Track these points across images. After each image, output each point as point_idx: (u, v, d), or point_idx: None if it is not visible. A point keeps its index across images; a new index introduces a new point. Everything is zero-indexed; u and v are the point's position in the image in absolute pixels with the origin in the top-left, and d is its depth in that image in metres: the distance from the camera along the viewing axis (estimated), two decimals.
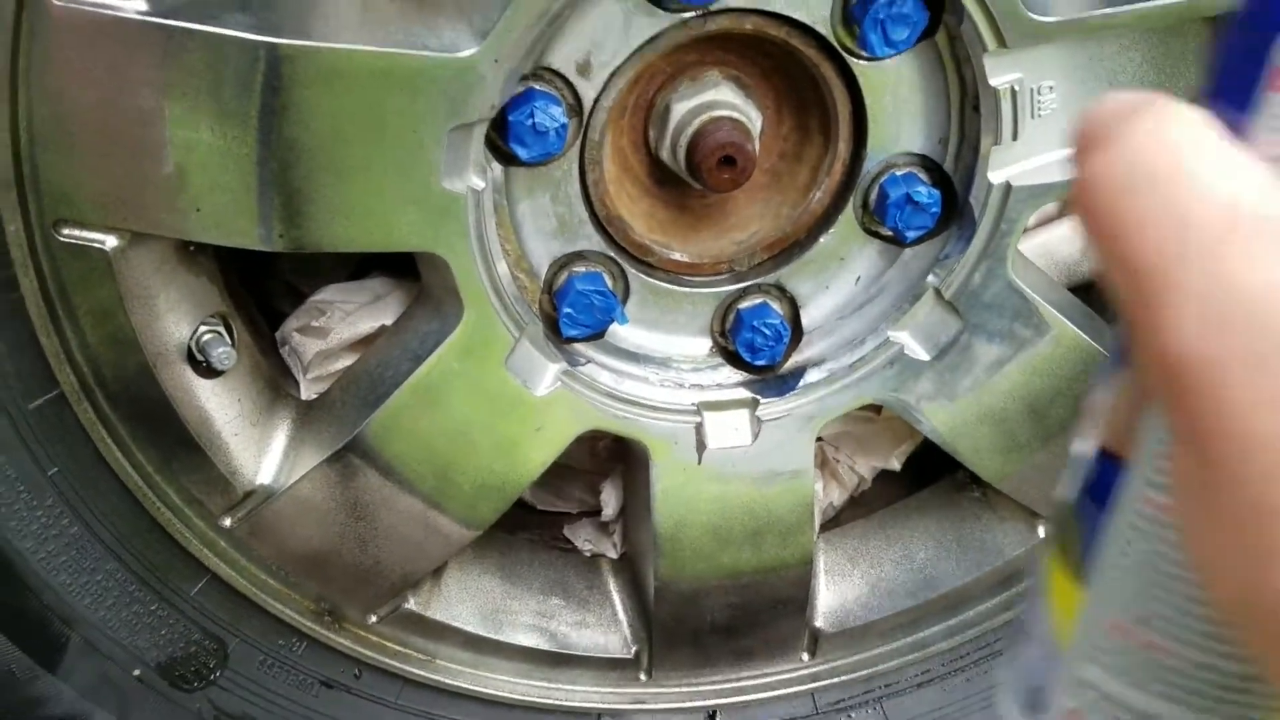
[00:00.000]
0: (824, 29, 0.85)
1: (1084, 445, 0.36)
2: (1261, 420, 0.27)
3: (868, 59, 0.86)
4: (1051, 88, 0.85)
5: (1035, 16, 0.81)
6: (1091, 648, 0.36)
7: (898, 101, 0.89)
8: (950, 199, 0.92)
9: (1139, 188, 0.30)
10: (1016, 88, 0.84)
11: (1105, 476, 0.35)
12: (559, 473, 1.15)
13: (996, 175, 0.88)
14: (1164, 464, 0.32)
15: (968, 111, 0.89)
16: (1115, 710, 0.35)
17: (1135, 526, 0.34)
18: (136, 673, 0.95)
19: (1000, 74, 0.84)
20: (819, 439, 1.06)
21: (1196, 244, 0.29)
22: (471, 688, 1.07)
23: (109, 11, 0.71)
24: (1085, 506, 0.36)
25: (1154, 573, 0.34)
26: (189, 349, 0.86)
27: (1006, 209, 0.88)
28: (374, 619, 1.02)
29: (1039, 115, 0.86)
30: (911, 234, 0.92)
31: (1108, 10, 0.82)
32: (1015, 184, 0.88)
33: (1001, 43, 0.82)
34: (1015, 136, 0.86)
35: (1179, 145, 0.31)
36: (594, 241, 0.94)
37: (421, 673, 1.05)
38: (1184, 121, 0.31)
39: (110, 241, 0.78)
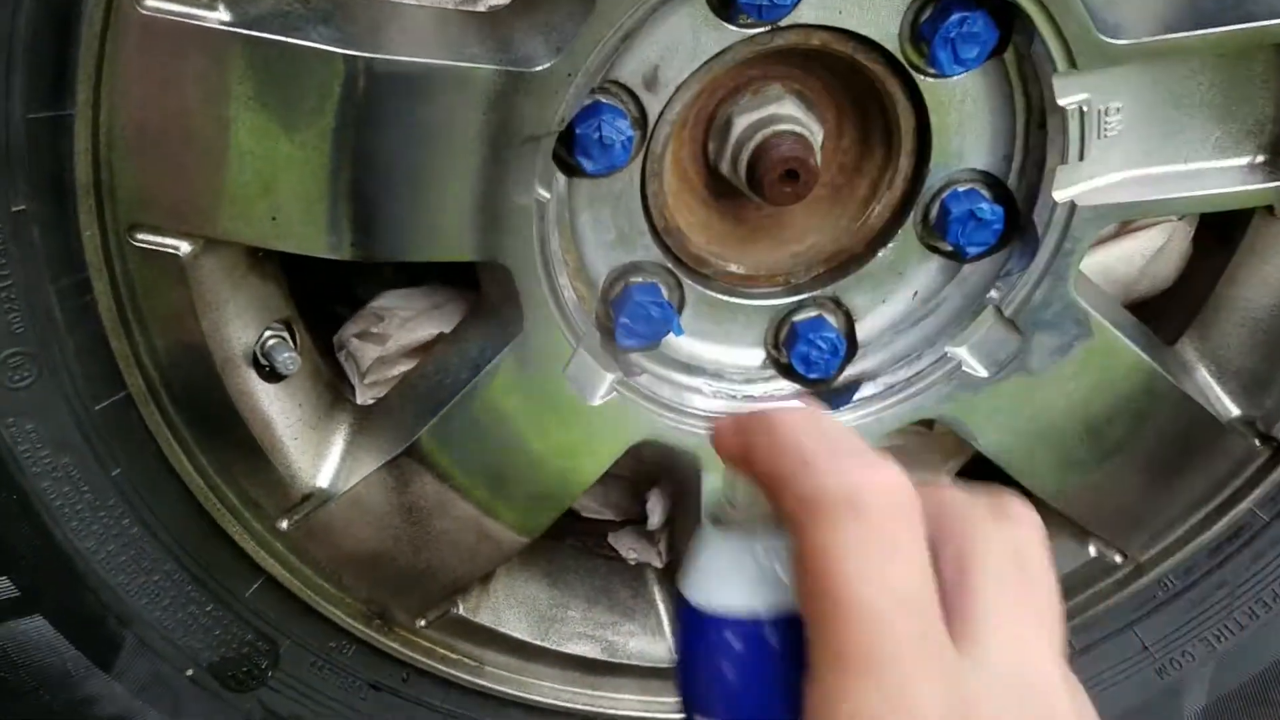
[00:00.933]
0: (892, 46, 0.85)
1: None
2: None
3: (935, 76, 0.86)
4: (1119, 109, 0.85)
5: (1106, 39, 0.81)
6: None
7: (963, 118, 0.89)
8: (1013, 216, 0.92)
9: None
10: (1085, 108, 0.84)
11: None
12: (604, 480, 1.16)
13: (1061, 194, 0.88)
14: None
15: (1033, 130, 0.89)
16: None
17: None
18: (189, 673, 0.96)
19: (1068, 94, 0.84)
20: None
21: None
22: (517, 694, 1.07)
23: (193, 20, 0.71)
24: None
25: None
26: (254, 354, 0.86)
27: (1070, 228, 0.89)
28: (423, 623, 1.03)
29: (1105, 136, 0.86)
30: (973, 250, 0.92)
31: (1177, 35, 0.82)
32: (1080, 203, 0.88)
33: (1071, 64, 0.82)
34: (1081, 156, 0.86)
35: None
36: (652, 253, 0.94)
37: (468, 678, 1.06)
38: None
39: (184, 248, 0.79)
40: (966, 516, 0.42)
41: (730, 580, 0.44)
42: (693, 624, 0.45)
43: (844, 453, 0.42)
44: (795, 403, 0.47)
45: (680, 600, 0.47)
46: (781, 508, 0.42)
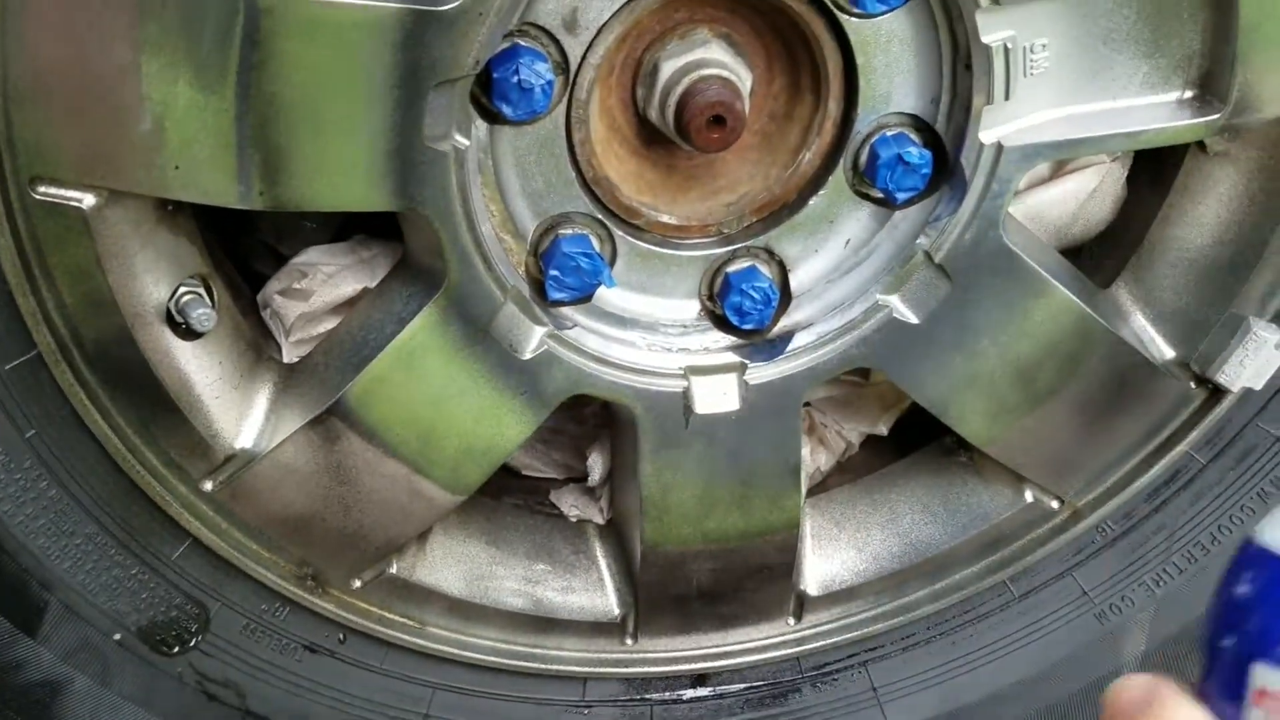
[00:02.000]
0: None
1: None
2: None
3: (860, 15, 0.85)
4: (1044, 45, 0.84)
5: None
6: None
7: (889, 60, 0.87)
8: (941, 160, 0.90)
9: None
10: (1009, 45, 0.83)
11: None
12: (544, 438, 1.15)
13: (988, 135, 0.87)
14: None
15: (960, 70, 0.87)
16: None
17: None
18: (117, 637, 0.95)
19: (993, 31, 0.83)
20: (806, 404, 1.05)
21: None
22: (457, 652, 1.06)
23: None
24: None
25: None
26: (168, 310, 0.84)
27: (998, 170, 0.87)
28: (358, 584, 1.02)
29: (1031, 73, 0.85)
30: (902, 195, 0.91)
31: None
32: (1007, 144, 0.87)
33: None
34: (1007, 95, 0.85)
35: None
36: (581, 203, 0.93)
37: (406, 637, 1.05)
38: None
39: (87, 200, 0.77)
40: None
41: None
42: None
43: None
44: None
45: (1253, 549, 0.46)
46: None
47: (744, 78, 0.89)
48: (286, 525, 0.96)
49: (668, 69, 0.89)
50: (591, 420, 1.14)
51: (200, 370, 0.88)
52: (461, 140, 0.82)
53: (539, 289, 0.94)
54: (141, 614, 0.94)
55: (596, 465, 1.12)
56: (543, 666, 1.09)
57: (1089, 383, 0.97)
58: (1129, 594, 1.07)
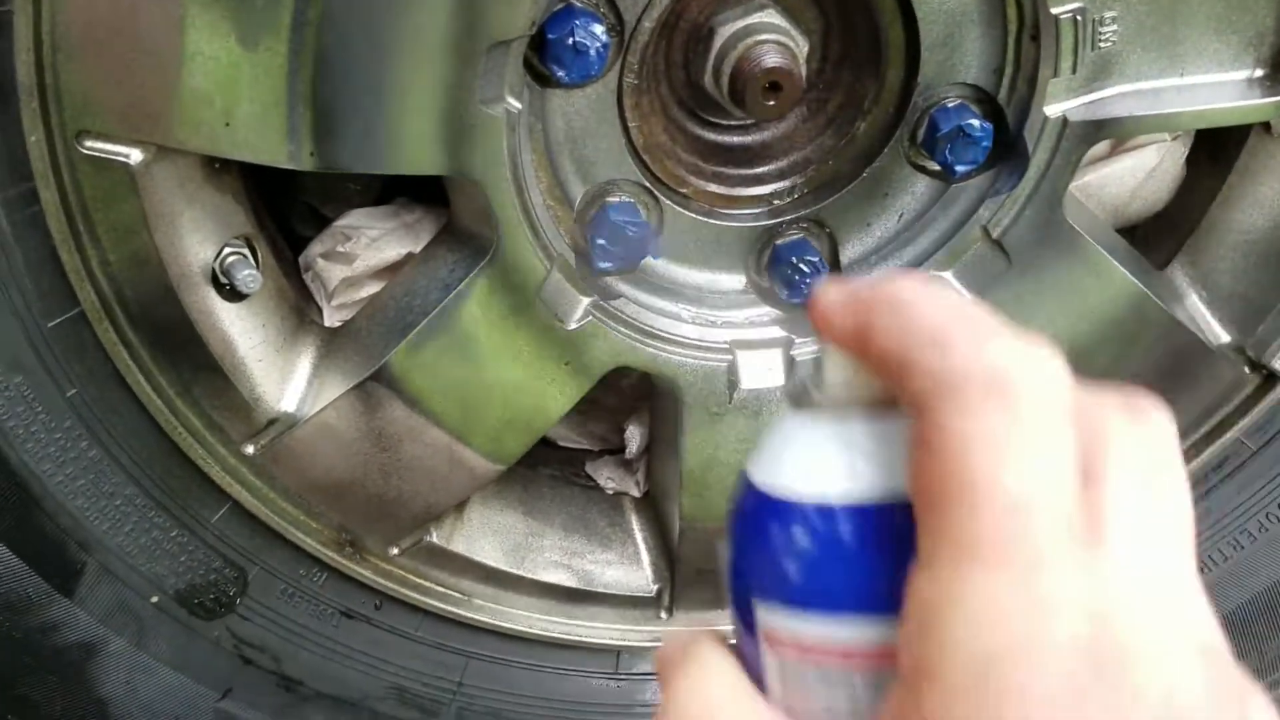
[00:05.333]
0: None
1: None
2: None
3: None
4: (1114, 19, 0.82)
5: None
6: None
7: (952, 29, 0.85)
8: (1002, 134, 0.88)
9: None
10: (1079, 18, 0.81)
11: None
12: (582, 409, 1.13)
13: (1053, 109, 0.85)
14: None
15: (1025, 41, 0.85)
16: None
17: None
18: (154, 600, 0.94)
19: (1062, 2, 0.81)
20: None
21: None
22: (492, 622, 1.06)
23: None
24: None
25: None
26: (213, 271, 0.83)
27: (1061, 145, 0.85)
28: (396, 551, 1.01)
29: (1099, 47, 0.82)
30: (961, 169, 0.89)
31: None
32: (1072, 119, 0.84)
33: None
34: (1074, 69, 0.83)
35: (711, 706, 0.41)
36: (629, 170, 0.91)
37: (442, 605, 1.04)
38: (718, 683, 0.41)
39: (134, 155, 0.75)
40: (1099, 413, 0.38)
41: (816, 463, 0.40)
42: (765, 510, 0.41)
43: (990, 331, 0.37)
44: (902, 279, 0.40)
45: (748, 487, 0.42)
46: (907, 389, 0.38)
47: (800, 44, 0.87)
48: (327, 491, 0.95)
49: (723, 34, 0.87)
50: (629, 392, 1.13)
51: (244, 332, 0.87)
52: (514, 104, 0.81)
53: (585, 257, 0.92)
54: (179, 577, 0.94)
55: (634, 438, 1.11)
56: (577, 638, 1.08)
57: (1143, 364, 0.96)
58: None
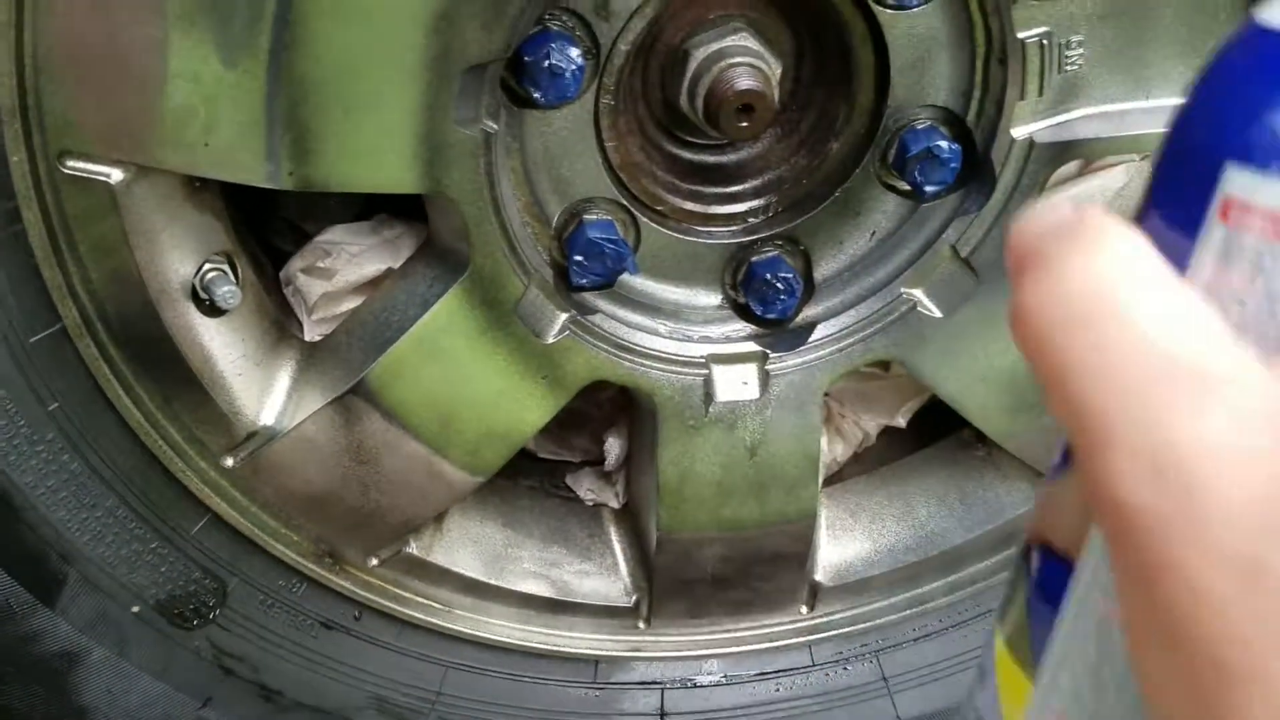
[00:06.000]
0: None
1: (1033, 535, 0.36)
2: (1214, 581, 0.26)
3: (894, 8, 0.84)
4: (1080, 42, 0.83)
5: None
6: None
7: (922, 53, 0.87)
8: (971, 154, 0.90)
9: (1073, 326, 0.29)
10: (1045, 41, 0.82)
11: (1052, 573, 0.34)
12: (561, 421, 1.14)
13: (1020, 131, 0.86)
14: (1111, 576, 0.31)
15: (993, 65, 0.87)
16: None
17: (1083, 628, 0.33)
18: (135, 610, 0.95)
19: (1028, 26, 0.82)
20: (824, 394, 1.05)
21: (1132, 393, 0.28)
22: (471, 632, 1.07)
23: None
24: (1035, 600, 0.35)
25: (1101, 676, 0.33)
26: (193, 287, 0.84)
27: (1028, 166, 0.87)
28: (375, 562, 1.02)
29: (1066, 70, 0.84)
30: (930, 189, 0.91)
31: None
32: (1038, 140, 0.86)
33: None
34: (1041, 92, 0.84)
35: (1115, 282, 0.29)
36: (606, 188, 0.93)
37: (421, 616, 1.05)
38: (1120, 252, 0.30)
39: (115, 175, 0.77)
40: None
41: None
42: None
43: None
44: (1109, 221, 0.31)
45: (1253, 29, 0.33)
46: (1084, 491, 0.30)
47: (773, 67, 0.89)
48: (306, 502, 0.96)
49: (698, 56, 0.88)
50: (608, 404, 1.14)
51: (223, 347, 0.88)
52: (490, 124, 0.82)
53: (562, 274, 0.94)
54: (160, 588, 0.95)
55: (613, 449, 1.12)
56: (555, 648, 1.09)
57: None
58: None
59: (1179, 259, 0.32)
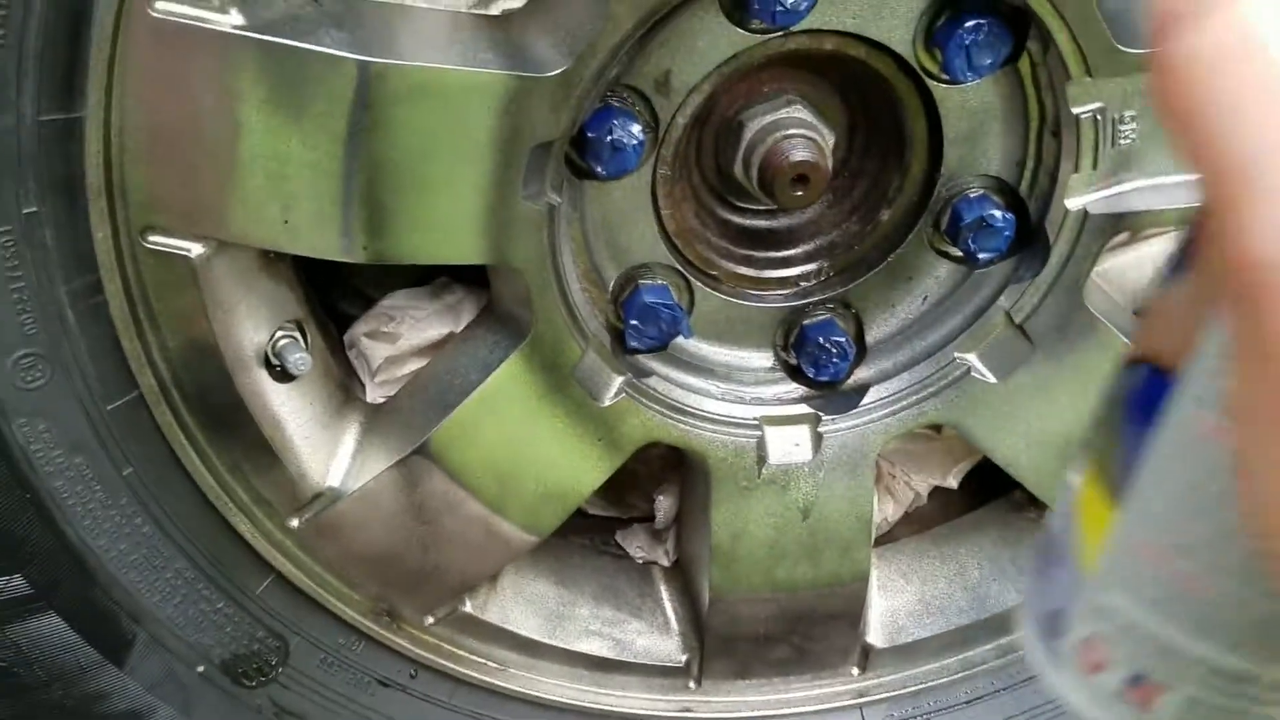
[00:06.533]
0: (906, 51, 0.85)
1: (1133, 355, 0.34)
2: None
3: (949, 83, 0.86)
4: (1133, 117, 0.85)
5: (1122, 48, 0.80)
6: (1120, 572, 0.33)
7: (976, 125, 0.89)
8: (1024, 223, 0.91)
9: (1219, 71, 0.27)
10: (1099, 116, 0.84)
11: (1152, 391, 0.32)
12: (612, 478, 1.16)
13: (1074, 202, 0.88)
14: (1220, 382, 0.29)
15: (1046, 137, 0.88)
16: (1136, 640, 0.33)
17: (1181, 446, 0.31)
18: (200, 669, 0.97)
19: (1083, 102, 0.84)
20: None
21: None
22: (524, 690, 1.08)
23: (205, 24, 0.71)
24: (1128, 421, 0.33)
25: (1197, 497, 0.31)
26: (265, 354, 0.87)
27: (1082, 236, 0.88)
28: (431, 620, 1.03)
29: (1119, 144, 0.86)
30: (983, 256, 0.92)
31: None
32: (1092, 211, 0.88)
33: (1086, 71, 0.82)
34: (1095, 165, 0.86)
35: (1262, 26, 0.27)
36: (661, 254, 0.95)
37: (475, 674, 1.06)
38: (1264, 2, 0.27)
39: (195, 250, 0.79)
40: None
41: None
42: None
43: None
44: None
45: None
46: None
47: (826, 137, 0.91)
48: (367, 562, 0.98)
49: (752, 128, 0.90)
50: (657, 461, 1.16)
51: (293, 412, 0.90)
52: (555, 197, 0.84)
53: (618, 338, 0.96)
54: (225, 647, 0.96)
55: (663, 508, 1.13)
56: (607, 708, 1.10)
57: None
58: None
59: None
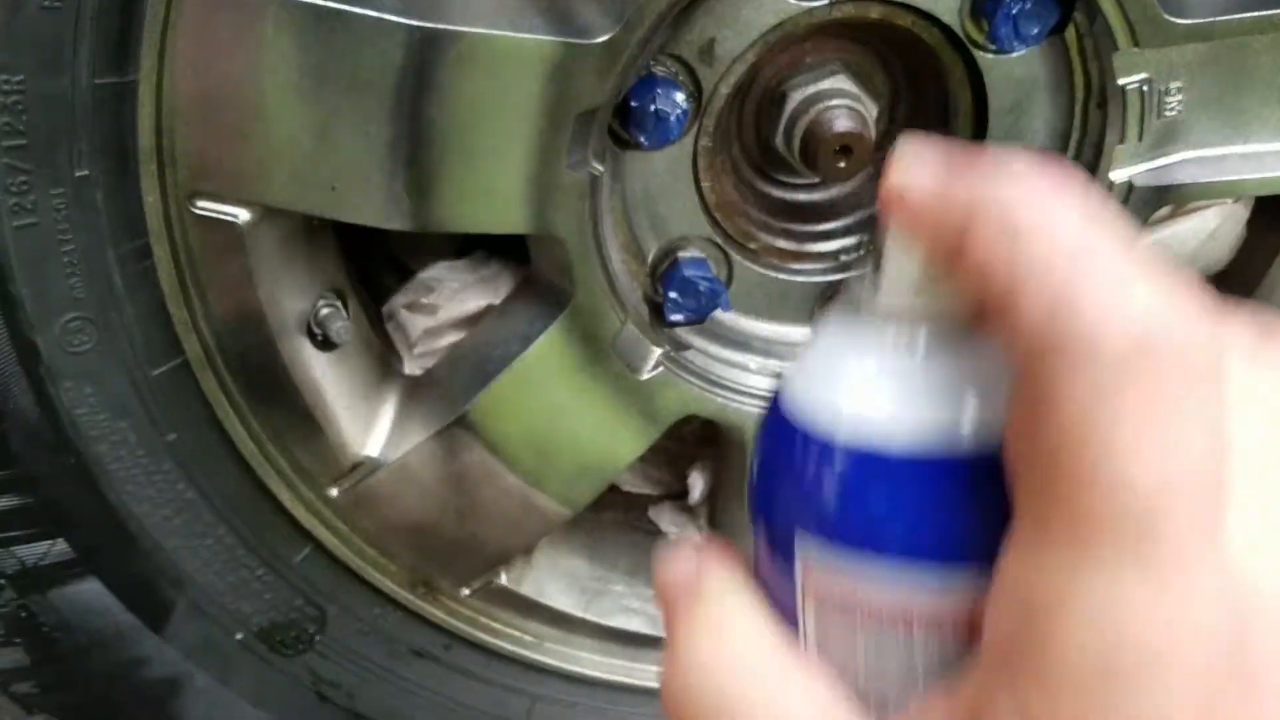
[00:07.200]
0: (952, 20, 0.84)
1: None
2: None
3: (995, 52, 0.86)
4: (1179, 88, 0.84)
5: (1170, 17, 0.80)
6: None
7: (1021, 96, 0.88)
8: None
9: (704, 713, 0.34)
10: (1145, 88, 0.84)
11: None
12: (645, 454, 1.16)
13: (1118, 174, 0.87)
14: None
15: (1091, 109, 0.88)
16: None
17: None
18: (239, 636, 0.97)
19: (1129, 73, 0.83)
20: None
21: None
22: (557, 664, 1.08)
23: None
24: None
25: None
26: (308, 322, 0.87)
27: (1127, 208, 0.88)
28: (466, 592, 1.04)
29: (1165, 116, 0.85)
30: None
31: (1243, 15, 0.81)
32: (1137, 184, 0.87)
33: (1133, 41, 0.81)
34: (1140, 136, 0.85)
35: (732, 680, 0.34)
36: (701, 227, 0.94)
37: (510, 647, 1.07)
38: (740, 626, 0.34)
39: (243, 215, 0.79)
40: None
41: (879, 387, 0.32)
42: (810, 434, 0.34)
43: (1130, 274, 0.29)
44: (1021, 171, 0.30)
45: (795, 400, 0.34)
46: (1012, 325, 0.30)
47: (870, 108, 0.90)
48: (404, 532, 0.98)
49: (795, 98, 0.90)
50: (690, 439, 1.16)
51: (334, 380, 0.91)
52: (598, 166, 0.84)
53: (657, 310, 0.96)
54: (263, 615, 0.97)
55: (697, 484, 1.13)
56: (640, 683, 1.10)
57: None
58: None
59: (788, 593, 0.35)
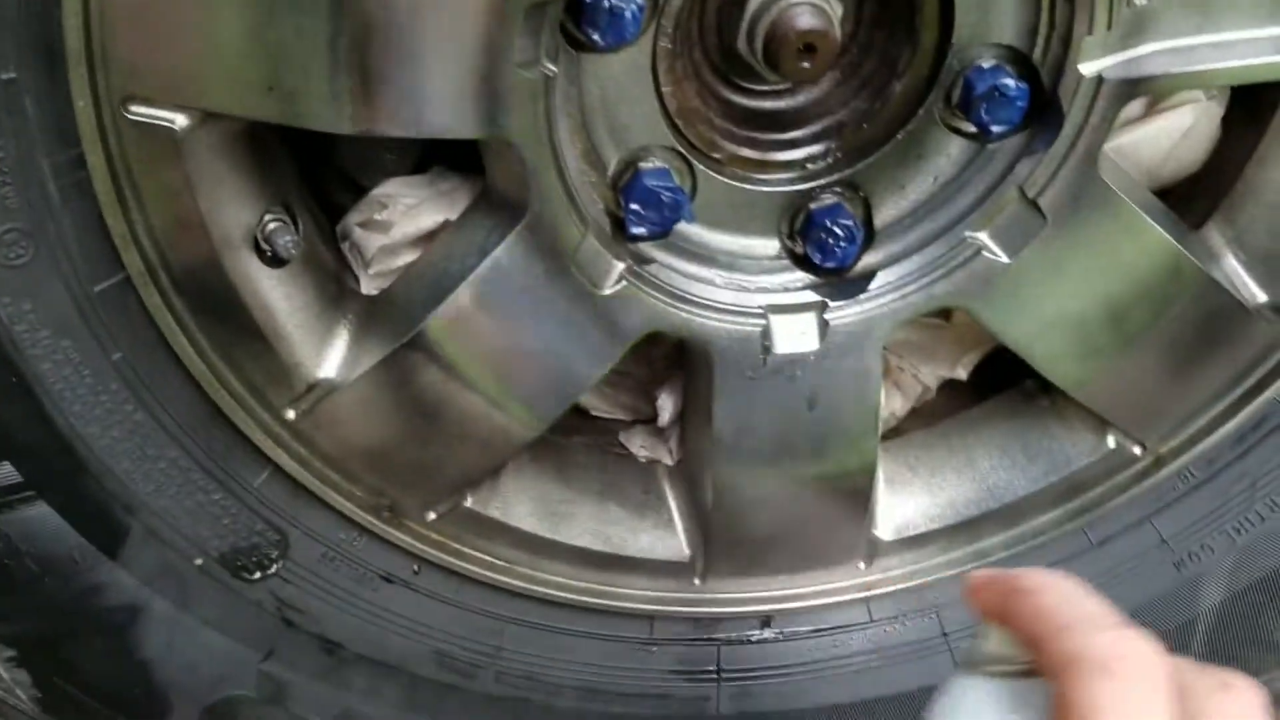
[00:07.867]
0: None
1: None
2: None
3: None
4: None
5: None
6: None
7: None
8: (1038, 93, 0.88)
9: None
10: None
11: None
12: (612, 381, 1.14)
13: (1088, 67, 0.84)
14: None
15: (1059, 0, 0.85)
16: None
17: None
18: (198, 562, 0.96)
19: None
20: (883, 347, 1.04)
21: None
22: (527, 586, 1.07)
23: None
24: None
25: None
26: (255, 237, 0.84)
27: (1097, 104, 0.85)
28: (433, 516, 1.02)
29: (1134, 4, 0.82)
30: (997, 129, 0.89)
31: None
32: (1107, 77, 0.84)
33: None
34: (1109, 26, 0.82)
35: None
36: (663, 135, 0.92)
37: (480, 570, 1.05)
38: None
39: (179, 121, 0.76)
40: (1196, 683, 0.51)
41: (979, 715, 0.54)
42: None
43: (1101, 622, 0.51)
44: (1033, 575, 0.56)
45: None
46: (1042, 661, 0.51)
47: (834, 6, 0.87)
48: (365, 455, 0.96)
49: None
50: (660, 363, 1.14)
51: (284, 298, 0.88)
52: (550, 67, 0.81)
53: (619, 223, 0.93)
54: (222, 540, 0.95)
55: (666, 406, 1.11)
56: (611, 604, 1.09)
57: (1179, 325, 0.96)
58: (1209, 542, 1.06)
59: None
